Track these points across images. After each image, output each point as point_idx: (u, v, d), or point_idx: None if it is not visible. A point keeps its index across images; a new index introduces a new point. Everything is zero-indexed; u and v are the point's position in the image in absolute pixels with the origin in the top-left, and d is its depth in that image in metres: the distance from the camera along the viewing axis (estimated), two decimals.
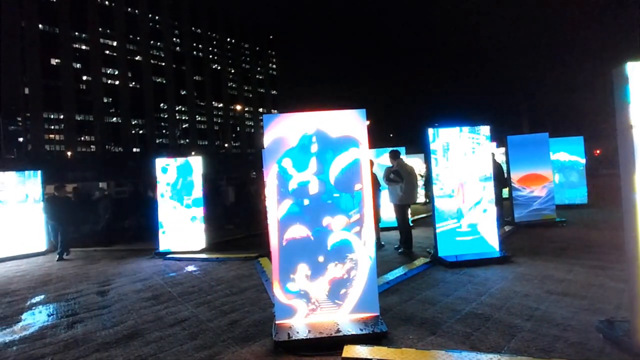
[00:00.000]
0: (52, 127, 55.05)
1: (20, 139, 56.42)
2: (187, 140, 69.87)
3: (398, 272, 4.46)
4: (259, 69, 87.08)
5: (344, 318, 2.92)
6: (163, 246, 6.78)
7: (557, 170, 8.77)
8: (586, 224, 7.09)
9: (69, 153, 53.75)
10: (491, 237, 4.93)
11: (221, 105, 77.58)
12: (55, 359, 2.88)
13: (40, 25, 53.45)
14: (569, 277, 3.99)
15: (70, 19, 55.94)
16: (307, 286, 2.93)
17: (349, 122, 3.01)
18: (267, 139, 3.03)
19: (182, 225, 6.78)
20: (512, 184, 7.06)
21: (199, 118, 73.80)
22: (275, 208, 2.98)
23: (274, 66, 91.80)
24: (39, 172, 8.01)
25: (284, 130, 3.00)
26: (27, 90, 53.22)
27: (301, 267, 2.94)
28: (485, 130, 4.96)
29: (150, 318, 3.64)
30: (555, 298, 3.41)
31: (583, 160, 9.18)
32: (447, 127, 4.88)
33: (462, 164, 4.86)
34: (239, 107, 73.86)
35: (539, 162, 7.11)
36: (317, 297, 2.93)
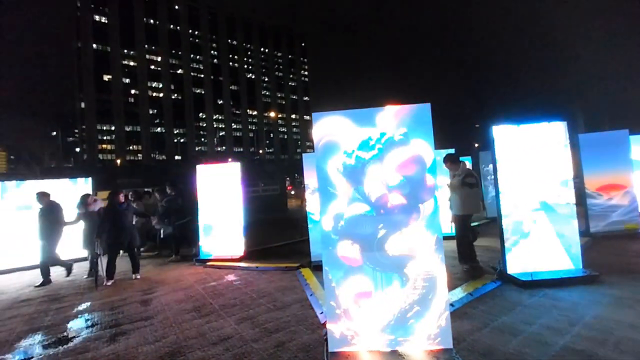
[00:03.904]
0: (105, 137, 59.74)
1: (77, 149, 61.77)
2: (224, 148, 72.54)
3: (462, 291, 3.89)
4: (291, 76, 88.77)
5: (411, 350, 2.47)
6: (204, 253, 6.71)
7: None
8: None
9: (118, 161, 57.89)
10: (572, 251, 4.19)
11: (255, 112, 79.85)
12: None
13: (94, 45, 58.50)
14: None
15: (120, 37, 60.71)
16: (366, 310, 2.52)
17: (413, 119, 2.58)
18: (317, 139, 2.68)
19: (222, 232, 6.67)
20: (587, 191, 6.14)
21: (235, 126, 76.45)
22: (325, 217, 2.61)
23: (307, 73, 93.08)
24: (89, 178, 8.37)
25: (337, 128, 2.64)
26: (82, 105, 58.36)
27: (358, 286, 2.54)
28: (559, 127, 4.27)
29: (192, 334, 3.42)
30: None
31: None
32: (511, 124, 4.26)
33: (535, 166, 4.20)
34: (272, 114, 75.52)
35: (619, 164, 6.12)
36: (379, 324, 2.51)
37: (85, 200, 6.29)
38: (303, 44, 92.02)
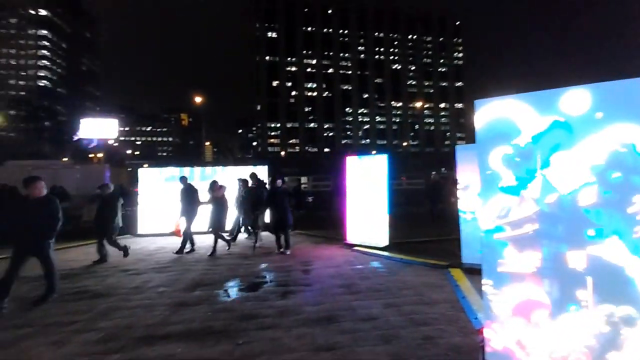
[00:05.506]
0: (273, 133, 72.24)
1: (254, 143, 77.69)
2: (368, 140, 75.00)
3: None
4: (441, 61, 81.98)
5: None
6: (350, 238, 7.27)
7: None
8: None
9: (282, 153, 69.08)
10: None
11: (400, 104, 78.51)
12: (273, 322, 3.43)
13: (267, 57, 70.99)
14: None
15: (285, 48, 71.32)
16: (542, 331, 2.17)
17: (620, 99, 1.99)
18: (480, 127, 2.46)
19: (367, 221, 7.03)
20: None
21: (379, 118, 77.62)
22: (487, 216, 2.37)
23: (460, 55, 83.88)
24: (266, 166, 10.46)
25: (508, 114, 2.34)
26: (258, 107, 72.29)
27: (530, 300, 2.21)
28: None
29: (343, 306, 3.83)
30: None
31: None
32: None
33: None
34: (418, 105, 72.17)
35: None
36: (560, 351, 2.12)
37: (213, 186, 6.95)
38: (457, 23, 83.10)
